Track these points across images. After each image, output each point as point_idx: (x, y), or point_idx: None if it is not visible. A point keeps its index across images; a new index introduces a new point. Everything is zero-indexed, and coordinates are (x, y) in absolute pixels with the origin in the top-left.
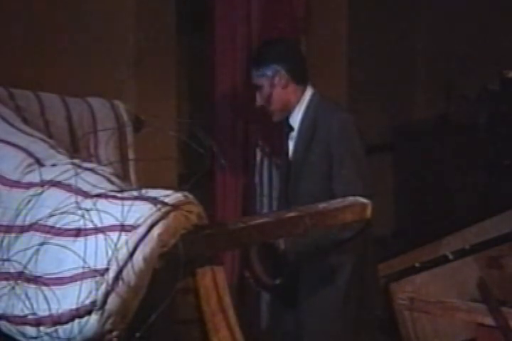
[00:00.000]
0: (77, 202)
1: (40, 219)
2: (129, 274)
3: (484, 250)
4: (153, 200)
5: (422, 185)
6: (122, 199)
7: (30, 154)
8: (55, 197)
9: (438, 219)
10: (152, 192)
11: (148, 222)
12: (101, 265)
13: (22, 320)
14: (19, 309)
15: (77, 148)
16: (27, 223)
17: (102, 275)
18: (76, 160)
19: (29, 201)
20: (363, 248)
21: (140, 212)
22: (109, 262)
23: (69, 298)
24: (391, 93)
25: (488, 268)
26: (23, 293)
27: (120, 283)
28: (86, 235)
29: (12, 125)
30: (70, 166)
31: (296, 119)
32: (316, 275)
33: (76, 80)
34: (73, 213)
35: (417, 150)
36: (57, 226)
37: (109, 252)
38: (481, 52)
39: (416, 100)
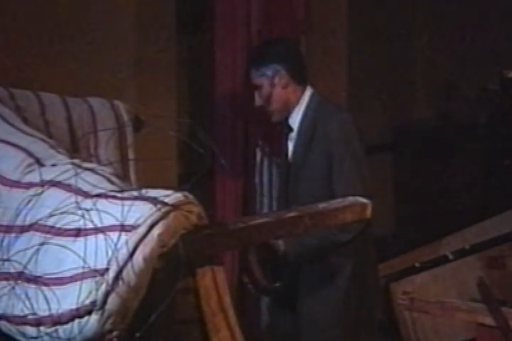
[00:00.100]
0: (77, 202)
1: (40, 219)
2: (129, 274)
3: (484, 250)
4: (153, 200)
5: (422, 185)
6: (122, 199)
7: (30, 154)
8: (55, 197)
9: (438, 219)
10: (152, 192)
11: (149, 222)
12: (101, 265)
13: (22, 320)
14: (19, 309)
15: (77, 148)
16: (27, 223)
17: (102, 275)
18: (76, 160)
19: (29, 201)
20: (363, 248)
21: (140, 212)
22: (109, 262)
23: (69, 298)
24: (391, 93)
25: (488, 268)
26: (23, 293)
27: (120, 283)
28: (86, 235)
29: (12, 125)
30: (70, 166)
31: (295, 120)
32: (316, 275)
33: (76, 80)
34: (73, 213)
35: (417, 150)
36: (57, 226)
37: (109, 252)
38: (481, 52)
39: (416, 100)
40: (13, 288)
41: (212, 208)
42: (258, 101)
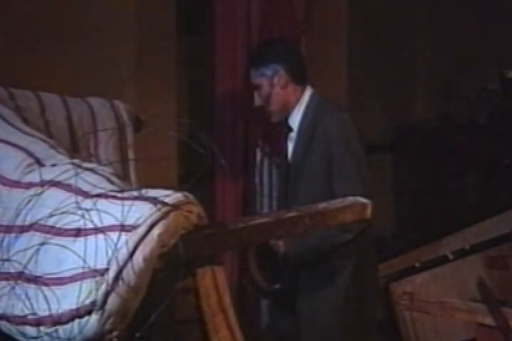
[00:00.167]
0: (77, 202)
1: (40, 219)
2: (129, 274)
3: (484, 250)
4: (153, 200)
5: (422, 185)
6: (122, 199)
7: (30, 154)
8: (55, 197)
9: (438, 219)
10: (152, 192)
11: (148, 222)
12: (101, 265)
13: (22, 320)
14: (19, 309)
15: (77, 148)
16: (27, 223)
17: (102, 275)
18: (76, 160)
19: (29, 201)
20: (363, 248)
21: (140, 212)
22: (109, 262)
23: (69, 298)
24: (391, 93)
25: (488, 268)
26: (23, 293)
27: (120, 283)
28: (86, 235)
29: (12, 125)
30: (70, 166)
31: (295, 120)
32: (316, 275)
33: (76, 80)
34: (73, 213)
35: (417, 150)
36: (58, 226)
37: (109, 252)
38: (481, 52)
39: (416, 100)
40: (13, 288)
41: (212, 208)
42: (258, 101)
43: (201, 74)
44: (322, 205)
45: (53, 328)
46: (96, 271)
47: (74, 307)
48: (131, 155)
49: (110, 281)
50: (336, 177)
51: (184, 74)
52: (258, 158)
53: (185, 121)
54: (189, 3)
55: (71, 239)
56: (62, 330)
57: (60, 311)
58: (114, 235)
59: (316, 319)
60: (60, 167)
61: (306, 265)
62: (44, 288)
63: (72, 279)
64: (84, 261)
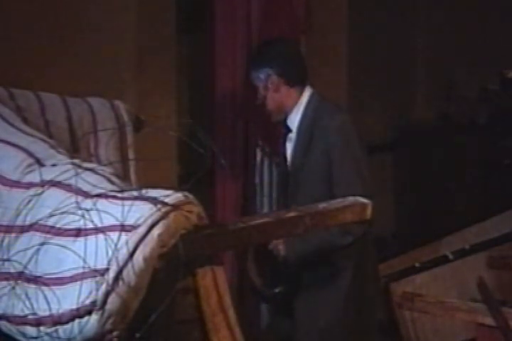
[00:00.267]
0: (77, 202)
1: (41, 219)
2: (129, 274)
3: (484, 250)
4: (154, 200)
5: (422, 185)
6: (122, 199)
7: (30, 154)
8: (55, 197)
9: (438, 219)
10: (152, 192)
11: (149, 222)
12: (101, 265)
13: (22, 320)
14: (19, 309)
15: (77, 148)
16: (27, 223)
17: (102, 275)
18: (76, 160)
19: (29, 201)
20: (363, 248)
21: (140, 212)
22: (109, 262)
23: (69, 298)
24: (391, 93)
25: (488, 268)
26: (23, 293)
27: (120, 283)
28: (86, 235)
29: (12, 125)
30: (70, 166)
31: (294, 120)
32: (317, 276)
33: (76, 80)
34: (73, 213)
35: (417, 150)
36: (58, 226)
37: (109, 252)
38: (481, 52)
39: (416, 100)
40: (14, 288)
41: (212, 208)
42: (258, 100)
43: (201, 74)
44: (322, 205)
45: (53, 328)
46: (96, 271)
47: (74, 307)
48: (131, 155)
49: (110, 281)
50: (336, 178)
51: (184, 74)
52: (258, 158)
53: (185, 121)
54: (189, 3)
55: (71, 239)
56: (62, 330)
57: (60, 311)
58: (114, 235)
59: (316, 319)
60: (60, 167)
61: (306, 267)
62: (44, 288)
63: (73, 279)
64: (85, 261)
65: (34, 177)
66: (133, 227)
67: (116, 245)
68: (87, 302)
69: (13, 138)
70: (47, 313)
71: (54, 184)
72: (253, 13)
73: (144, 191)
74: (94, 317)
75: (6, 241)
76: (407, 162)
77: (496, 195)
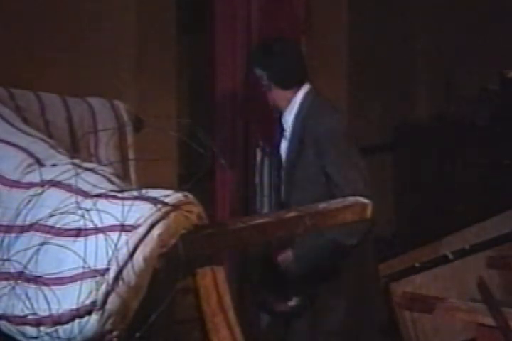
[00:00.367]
0: (77, 202)
1: (41, 219)
2: (129, 274)
3: (484, 250)
4: (154, 200)
5: (422, 185)
6: (122, 199)
7: (30, 154)
8: (55, 197)
9: (438, 219)
10: (152, 192)
11: (149, 222)
12: (101, 265)
13: (22, 320)
14: (19, 309)
15: (77, 148)
16: (27, 223)
17: (102, 275)
18: (76, 160)
19: (29, 201)
20: (363, 248)
21: (140, 212)
22: (109, 262)
23: (69, 298)
24: (391, 93)
25: (488, 268)
26: (23, 293)
27: (120, 283)
28: (86, 235)
29: (12, 125)
30: (70, 166)
31: (288, 120)
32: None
33: (76, 80)
34: (73, 213)
35: (417, 150)
36: (58, 226)
37: (110, 252)
38: (481, 52)
39: (416, 100)
40: (13, 288)
41: (212, 208)
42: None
43: (201, 74)
44: (322, 205)
45: (53, 328)
46: (96, 271)
47: (74, 307)
48: (131, 155)
49: (110, 281)
50: (334, 179)
51: (184, 74)
52: (258, 158)
53: (185, 121)
54: (189, 3)
55: (71, 239)
56: (62, 330)
57: (60, 311)
58: (114, 235)
59: (317, 319)
60: (60, 167)
61: (318, 274)
62: (44, 288)
63: (73, 279)
64: (85, 261)
65: (34, 177)
66: (133, 227)
67: (116, 245)
68: (87, 302)
69: (13, 138)
70: (47, 313)
71: (54, 184)
72: (253, 13)
73: (143, 191)
74: (94, 317)
75: (6, 241)
76: (407, 162)
77: (496, 195)
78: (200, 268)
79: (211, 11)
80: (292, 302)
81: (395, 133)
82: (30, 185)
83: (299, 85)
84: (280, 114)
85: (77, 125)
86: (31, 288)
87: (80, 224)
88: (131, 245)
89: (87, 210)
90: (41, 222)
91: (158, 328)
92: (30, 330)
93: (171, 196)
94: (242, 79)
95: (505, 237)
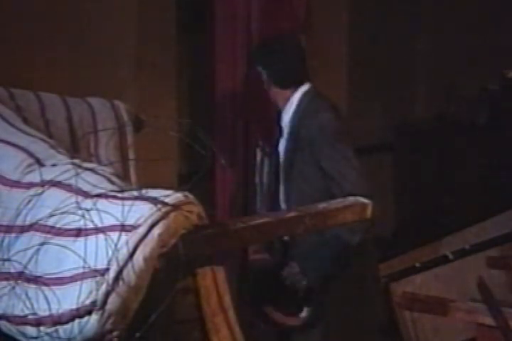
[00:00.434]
0: (77, 202)
1: (41, 219)
2: (129, 274)
3: (484, 250)
4: (154, 200)
5: (422, 185)
6: (122, 199)
7: (30, 154)
8: (55, 197)
9: (438, 219)
10: (152, 192)
11: (149, 222)
12: (101, 265)
13: (22, 320)
14: (19, 309)
15: (77, 148)
16: (27, 223)
17: (103, 275)
18: (76, 160)
19: (29, 201)
20: (363, 248)
21: (140, 212)
22: (109, 262)
23: (69, 298)
24: (391, 93)
25: (488, 268)
26: (23, 293)
27: (120, 283)
28: (86, 235)
29: (12, 125)
30: (70, 166)
31: (285, 118)
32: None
33: (76, 80)
34: (73, 213)
35: (417, 150)
36: (58, 226)
37: (110, 252)
38: (481, 52)
39: (416, 100)
40: (13, 288)
41: (212, 208)
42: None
43: (201, 74)
44: (322, 205)
45: (53, 328)
46: (96, 271)
47: (74, 307)
48: (131, 155)
49: (110, 281)
50: (332, 178)
51: (184, 74)
52: (258, 158)
53: (186, 121)
54: (189, 3)
55: (71, 239)
56: (62, 330)
57: (60, 311)
58: (114, 235)
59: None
60: (61, 167)
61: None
62: (44, 288)
63: (73, 279)
64: (85, 261)
65: (34, 177)
66: (133, 227)
67: (116, 245)
68: (87, 302)
69: (13, 138)
70: (47, 313)
71: (54, 184)
72: (253, 13)
73: (144, 191)
74: (94, 317)
75: (6, 241)
76: (407, 162)
77: (495, 195)
78: (200, 268)
79: (211, 11)
80: (304, 314)
81: (395, 133)
82: (30, 185)
83: (297, 85)
84: (279, 113)
85: (77, 125)
86: (31, 288)
87: (80, 224)
88: (132, 245)
89: (87, 210)
90: (41, 222)
91: (158, 328)
92: (30, 330)
93: (171, 196)
94: (242, 79)
95: (505, 237)
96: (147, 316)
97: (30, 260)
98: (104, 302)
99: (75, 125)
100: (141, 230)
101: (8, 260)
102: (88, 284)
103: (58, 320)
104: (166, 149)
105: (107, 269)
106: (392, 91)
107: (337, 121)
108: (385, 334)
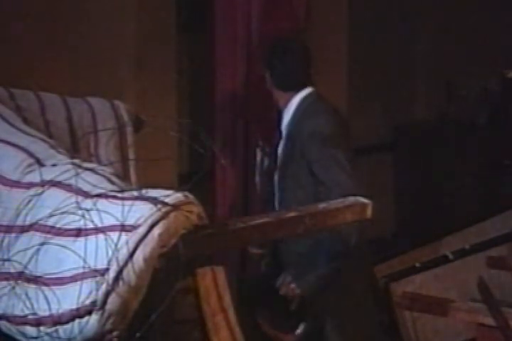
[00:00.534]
0: (77, 202)
1: (41, 219)
2: (129, 274)
3: (484, 250)
4: (154, 200)
5: (422, 185)
6: (122, 199)
7: (30, 154)
8: (55, 197)
9: (438, 219)
10: (152, 192)
11: (149, 222)
12: (101, 265)
13: (22, 320)
14: (19, 309)
15: (77, 148)
16: (27, 223)
17: (103, 275)
18: (76, 160)
19: (29, 201)
20: (355, 255)
21: (140, 212)
22: (109, 262)
23: (69, 298)
24: (391, 93)
25: (488, 268)
26: (23, 293)
27: (120, 283)
28: (86, 235)
29: (12, 125)
30: (70, 166)
31: (285, 121)
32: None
33: (76, 80)
34: (73, 213)
35: (417, 150)
36: (58, 226)
37: (110, 252)
38: (481, 52)
39: (416, 100)
40: (14, 288)
41: (212, 208)
42: None
43: (201, 74)
44: (322, 205)
45: (53, 328)
46: (96, 270)
47: (74, 307)
48: (131, 155)
49: (110, 281)
50: (325, 182)
51: (184, 74)
52: (258, 158)
53: (186, 121)
54: (189, 3)
55: (71, 239)
56: (62, 330)
57: (60, 311)
58: (114, 235)
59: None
60: (61, 167)
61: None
62: (44, 288)
63: (73, 279)
64: (85, 261)
65: (34, 177)
66: (133, 227)
67: (116, 245)
68: (87, 302)
69: (13, 138)
70: (47, 313)
71: (54, 184)
72: (253, 13)
73: (144, 191)
74: (94, 317)
75: (6, 241)
76: (407, 162)
77: (495, 195)
78: (200, 268)
79: (211, 11)
80: (299, 331)
81: (395, 133)
82: (30, 185)
83: (299, 88)
84: (280, 114)
85: (77, 125)
86: (31, 288)
87: (80, 224)
88: (132, 245)
89: (87, 210)
90: (41, 222)
91: (158, 328)
92: (30, 330)
93: (171, 196)
94: (242, 79)
95: (505, 237)
96: (147, 316)
97: (30, 260)
98: (104, 302)
99: (75, 125)
100: (141, 230)
101: (8, 260)
102: (88, 284)
103: (58, 320)
104: (166, 149)
105: (107, 269)
106: (392, 91)
107: (331, 126)
108: (385, 334)
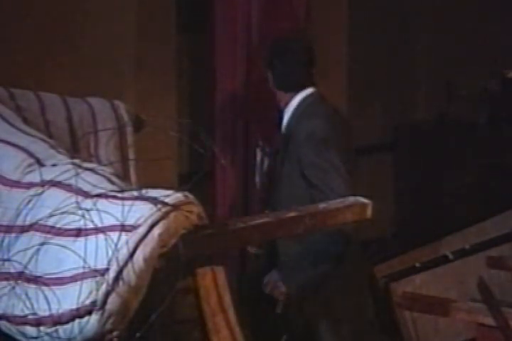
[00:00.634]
0: (77, 202)
1: (41, 219)
2: (129, 274)
3: (484, 250)
4: (154, 200)
5: (422, 185)
6: (123, 199)
7: (30, 154)
8: (55, 197)
9: (438, 219)
10: (152, 192)
11: (149, 222)
12: (101, 265)
13: (22, 320)
14: (19, 309)
15: (77, 148)
16: (27, 223)
17: (103, 275)
18: (76, 160)
19: (29, 201)
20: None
21: (140, 212)
22: (109, 262)
23: (69, 298)
24: (391, 93)
25: (488, 268)
26: (23, 293)
27: (120, 283)
28: (86, 235)
29: (12, 125)
30: (70, 166)
31: (284, 122)
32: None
33: (76, 80)
34: (73, 213)
35: (417, 150)
36: (58, 226)
37: (110, 252)
38: (481, 52)
39: (416, 100)
40: (14, 288)
41: (212, 208)
42: None
43: (201, 74)
44: (322, 205)
45: (53, 328)
46: (96, 270)
47: (74, 307)
48: (131, 155)
49: (110, 281)
50: (312, 181)
51: (184, 74)
52: (258, 158)
53: (186, 121)
54: (189, 3)
55: (71, 239)
56: (62, 330)
57: (60, 311)
58: (114, 235)
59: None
60: (61, 167)
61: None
62: (44, 288)
63: (73, 279)
64: (85, 261)
65: (34, 177)
66: (133, 227)
67: (116, 245)
68: (87, 302)
69: (13, 138)
70: (47, 313)
71: (54, 184)
72: (253, 13)
73: (144, 191)
74: (94, 317)
75: (6, 241)
76: (407, 162)
77: (495, 195)
78: (200, 268)
79: (211, 11)
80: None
81: (395, 133)
82: (30, 185)
83: (299, 89)
84: (281, 114)
85: (77, 125)
86: (31, 288)
87: (80, 224)
88: (132, 245)
89: (87, 210)
90: (41, 222)
91: (158, 328)
92: (30, 330)
93: (171, 196)
94: (243, 79)
95: (505, 237)
96: (147, 316)
97: (30, 260)
98: (104, 302)
99: (75, 125)
100: (141, 230)
101: (8, 260)
102: (88, 284)
103: (58, 320)
104: (166, 149)
105: (107, 269)
106: (392, 91)
107: (328, 129)
108: (385, 334)
